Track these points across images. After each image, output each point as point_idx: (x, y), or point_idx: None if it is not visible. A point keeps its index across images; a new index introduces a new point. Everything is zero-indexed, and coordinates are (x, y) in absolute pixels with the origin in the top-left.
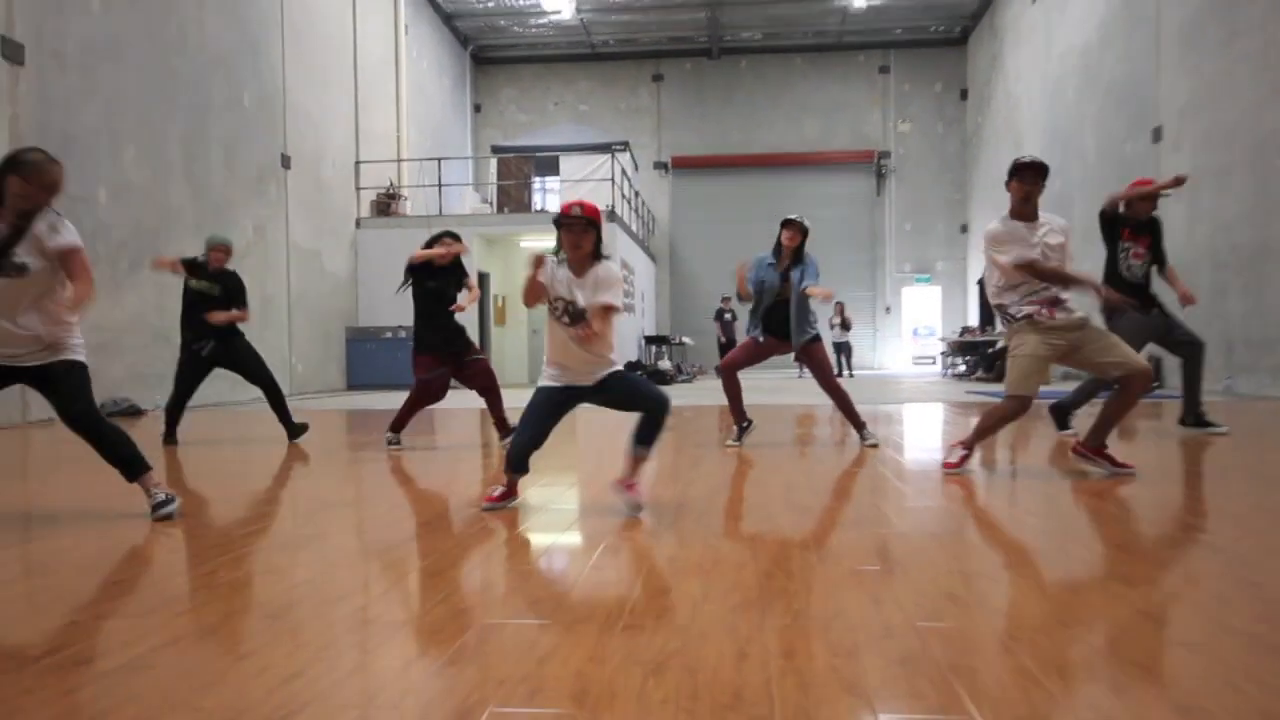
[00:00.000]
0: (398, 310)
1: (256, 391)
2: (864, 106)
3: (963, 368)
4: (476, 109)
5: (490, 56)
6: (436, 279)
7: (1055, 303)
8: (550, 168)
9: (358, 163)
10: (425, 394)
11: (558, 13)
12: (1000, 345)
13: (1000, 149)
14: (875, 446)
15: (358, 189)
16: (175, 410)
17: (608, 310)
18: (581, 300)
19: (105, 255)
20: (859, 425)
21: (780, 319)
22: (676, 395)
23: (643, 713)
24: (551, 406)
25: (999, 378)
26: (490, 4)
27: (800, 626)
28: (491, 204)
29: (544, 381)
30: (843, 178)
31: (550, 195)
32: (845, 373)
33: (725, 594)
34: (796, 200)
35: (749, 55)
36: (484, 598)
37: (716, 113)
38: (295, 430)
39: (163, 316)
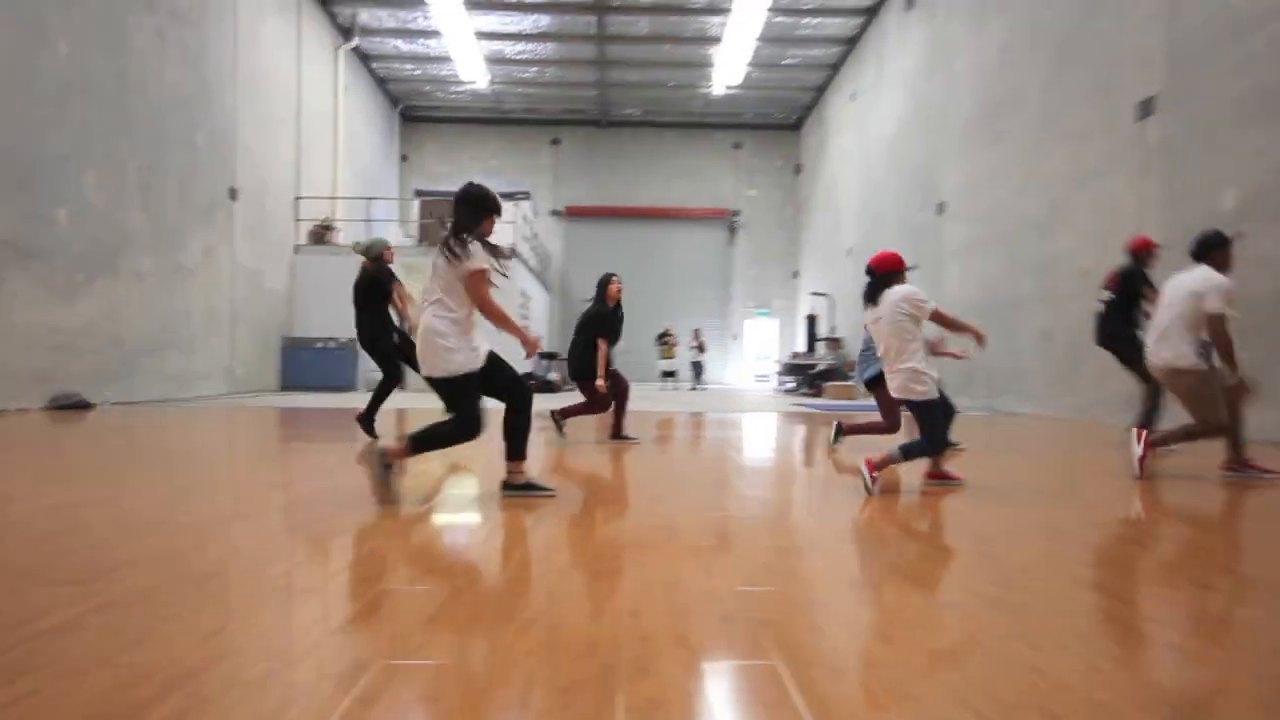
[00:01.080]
0: (328, 323)
1: (201, 389)
2: (720, 174)
3: (791, 384)
4: (404, 158)
5: (416, 115)
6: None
7: None
8: None
9: (297, 198)
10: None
11: (474, 83)
12: (822, 368)
13: (824, 214)
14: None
15: (297, 220)
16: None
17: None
18: None
19: (62, 268)
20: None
21: None
22: (560, 402)
23: (510, 662)
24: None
25: (819, 393)
26: (417, 72)
27: (646, 592)
28: (414, 238)
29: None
30: (702, 230)
31: None
32: (697, 386)
33: (588, 565)
34: (665, 246)
35: (630, 127)
36: (384, 568)
37: (603, 172)
38: (370, 429)
39: (114, 322)
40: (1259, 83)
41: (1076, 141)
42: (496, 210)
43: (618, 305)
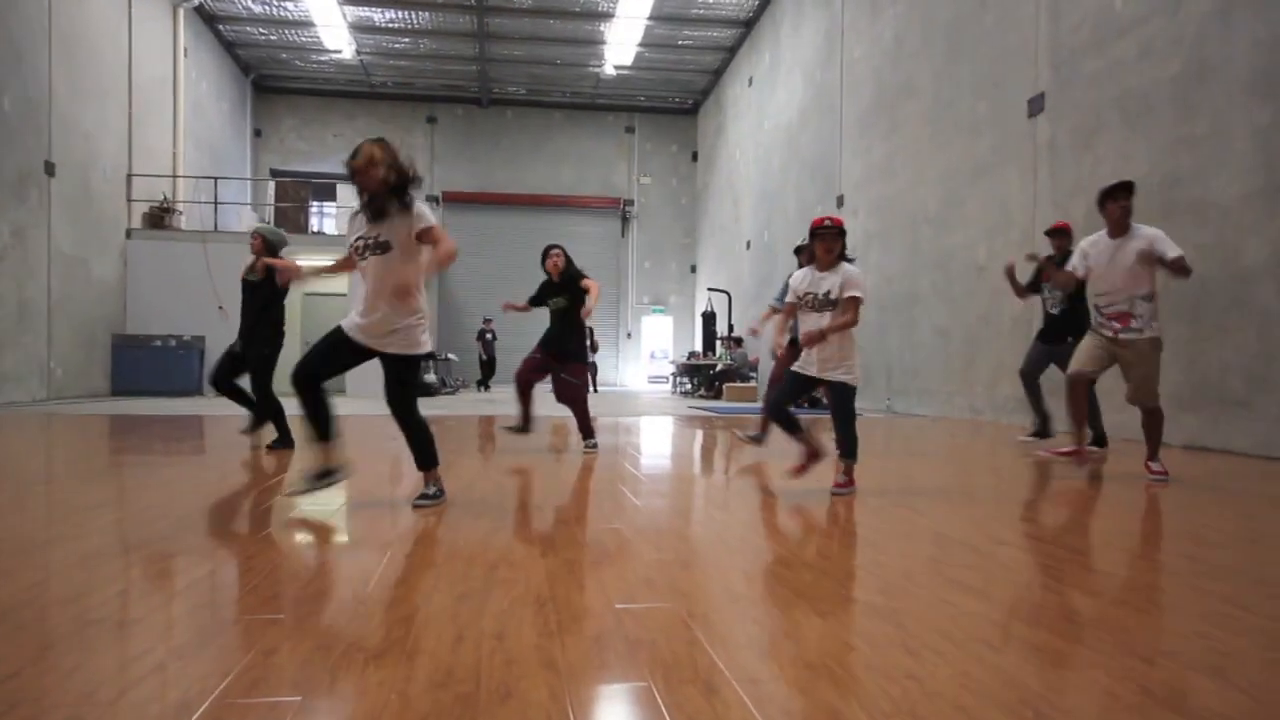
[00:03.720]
0: (169, 318)
1: (11, 394)
2: (612, 160)
3: (689, 386)
4: (257, 133)
5: (271, 86)
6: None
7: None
8: (328, 194)
9: (130, 175)
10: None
11: (339, 52)
12: (721, 368)
13: (723, 204)
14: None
15: (129, 201)
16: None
17: (854, 301)
18: (833, 293)
19: None
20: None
21: None
22: (440, 406)
23: (359, 694)
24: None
25: (718, 395)
26: (273, 37)
27: (514, 612)
28: (269, 224)
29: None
30: (593, 220)
31: (327, 219)
32: (591, 388)
33: (453, 585)
34: (553, 237)
35: (514, 107)
36: (220, 595)
37: (485, 155)
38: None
39: None
40: (1128, 87)
41: (970, 135)
42: None
43: (560, 277)
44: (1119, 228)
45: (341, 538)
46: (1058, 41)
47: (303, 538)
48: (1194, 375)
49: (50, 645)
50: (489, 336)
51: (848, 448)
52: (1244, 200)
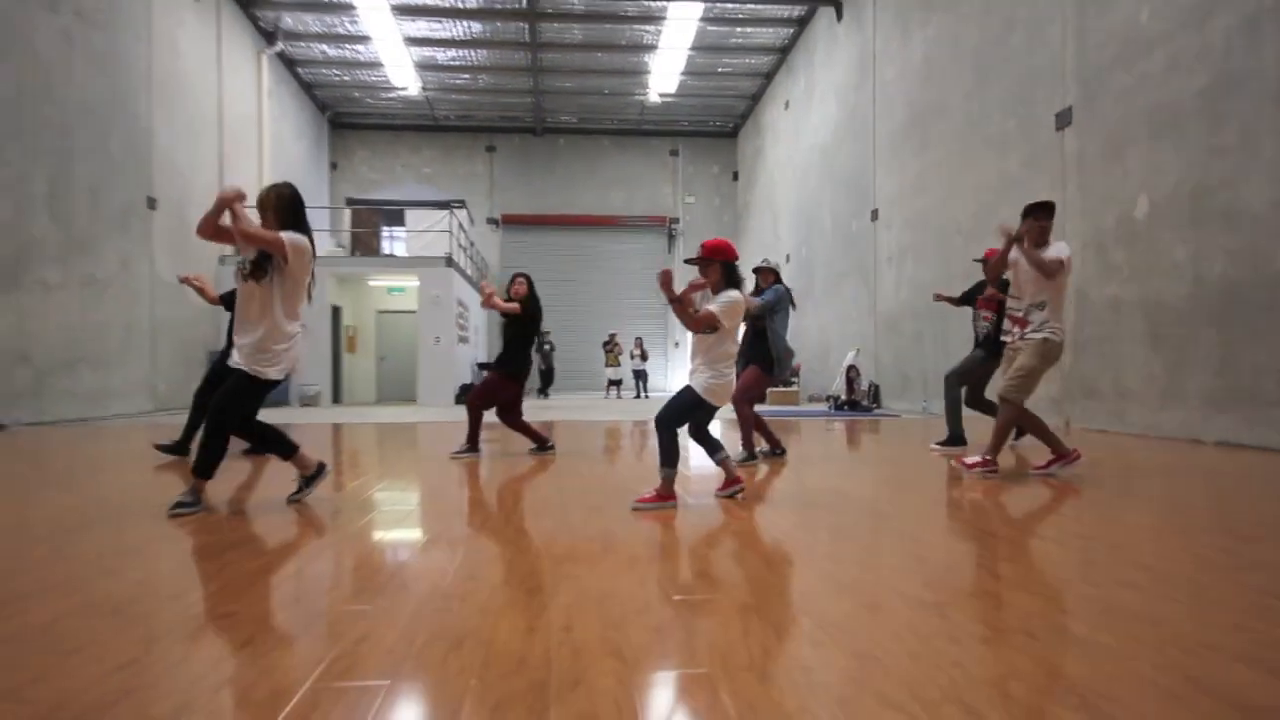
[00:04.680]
0: None
1: (120, 407)
2: (658, 181)
3: None
4: (333, 166)
5: (345, 122)
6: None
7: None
8: (397, 219)
9: None
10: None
11: (405, 89)
12: None
13: (762, 221)
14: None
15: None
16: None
17: (709, 314)
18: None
19: None
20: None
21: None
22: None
23: (441, 681)
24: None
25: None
26: (346, 78)
27: (580, 605)
28: (345, 248)
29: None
30: (641, 238)
31: (397, 242)
32: (642, 395)
33: (522, 579)
34: (603, 254)
35: (566, 134)
36: (313, 589)
37: (540, 179)
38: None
39: (22, 338)
40: (1156, 100)
41: (999, 150)
42: None
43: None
44: (1036, 243)
45: (417, 535)
46: (1084, 59)
47: (382, 536)
48: (1227, 377)
49: (158, 638)
50: (547, 347)
51: (665, 457)
52: (1275, 207)
